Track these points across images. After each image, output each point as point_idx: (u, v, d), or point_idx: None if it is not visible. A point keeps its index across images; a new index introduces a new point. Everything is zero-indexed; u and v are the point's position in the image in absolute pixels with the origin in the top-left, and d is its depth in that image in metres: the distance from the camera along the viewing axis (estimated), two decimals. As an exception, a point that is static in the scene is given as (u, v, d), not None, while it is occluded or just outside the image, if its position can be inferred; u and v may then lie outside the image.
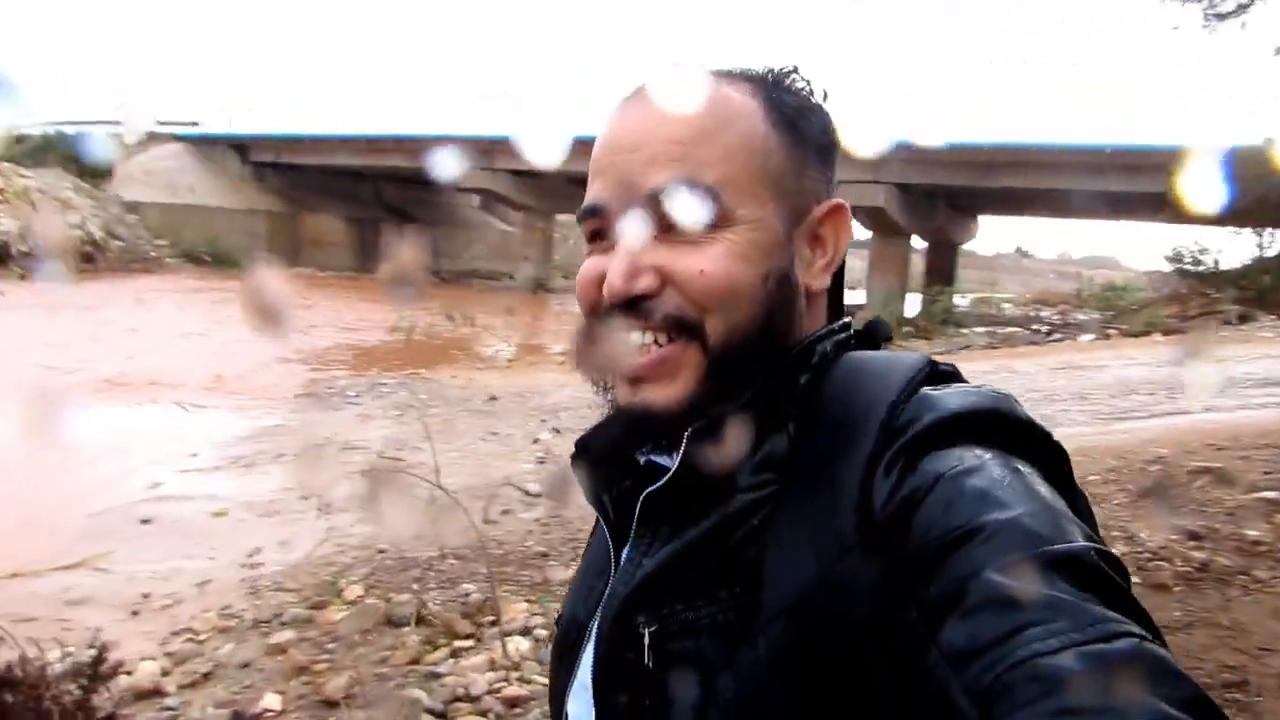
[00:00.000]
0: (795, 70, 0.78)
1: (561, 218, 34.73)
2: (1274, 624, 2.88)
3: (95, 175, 30.46)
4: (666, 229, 0.70)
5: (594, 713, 0.72)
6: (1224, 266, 16.58)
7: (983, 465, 0.58)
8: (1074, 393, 8.01)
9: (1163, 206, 16.38)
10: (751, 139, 0.72)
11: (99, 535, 5.07)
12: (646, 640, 0.68)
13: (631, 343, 0.71)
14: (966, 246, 36.83)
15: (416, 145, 31.85)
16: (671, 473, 0.70)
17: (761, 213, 0.71)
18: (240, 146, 35.06)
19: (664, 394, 0.71)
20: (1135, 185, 21.81)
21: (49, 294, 16.20)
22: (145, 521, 5.33)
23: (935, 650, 0.52)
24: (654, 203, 0.69)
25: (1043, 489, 0.57)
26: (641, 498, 0.73)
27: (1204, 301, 16.15)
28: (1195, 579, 3.21)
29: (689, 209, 0.68)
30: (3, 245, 21.23)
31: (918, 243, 31.19)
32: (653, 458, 0.76)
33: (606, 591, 0.75)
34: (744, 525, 0.66)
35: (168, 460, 6.65)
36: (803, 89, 0.77)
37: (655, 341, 0.71)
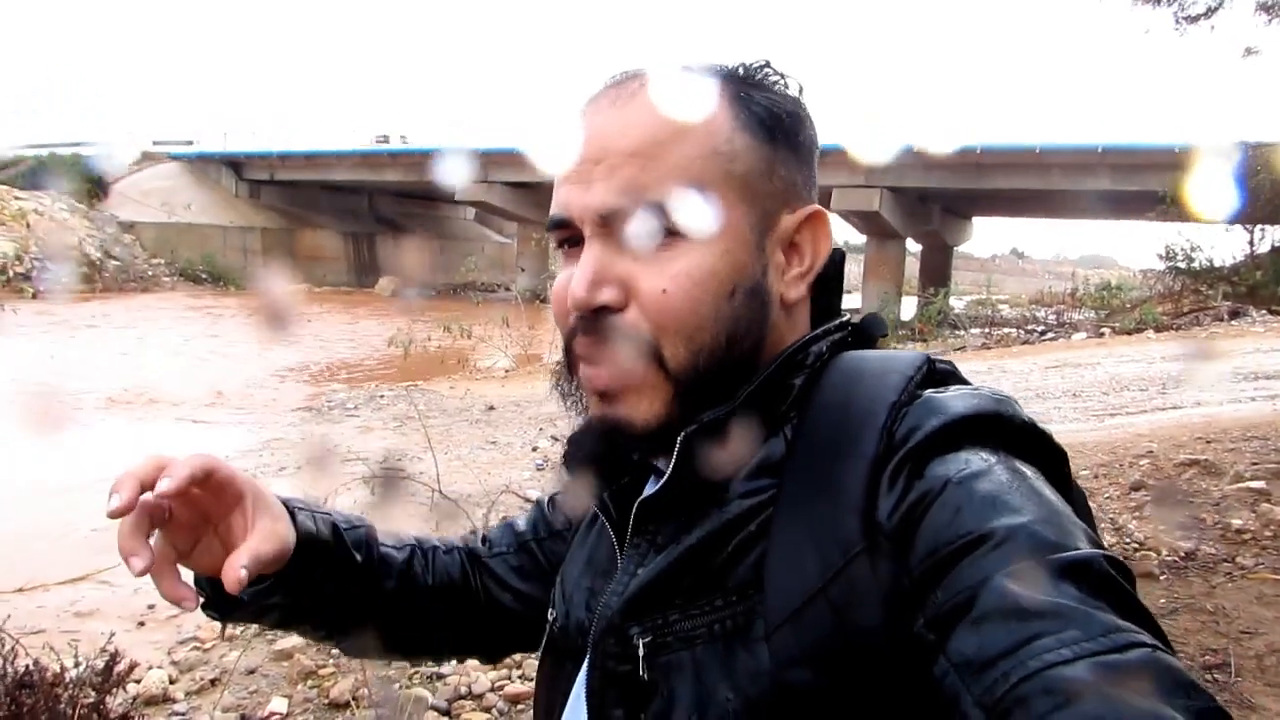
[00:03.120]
0: (767, 65, 0.73)
1: (557, 228, 34.75)
2: (1256, 609, 2.94)
3: (91, 196, 30.55)
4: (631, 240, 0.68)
5: None
6: (1216, 263, 16.64)
7: (989, 469, 0.57)
8: (1066, 390, 8.08)
9: (1155, 205, 16.51)
10: (714, 142, 0.68)
11: (103, 549, 5.10)
12: (641, 651, 0.67)
13: (595, 357, 0.69)
14: (962, 249, 37.06)
15: (411, 159, 31.99)
16: (664, 480, 0.69)
17: (729, 220, 0.68)
18: (235, 164, 35.20)
19: (632, 411, 0.69)
20: (1127, 184, 21.95)
21: (52, 314, 16.26)
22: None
23: (944, 659, 0.51)
24: (615, 217, 0.67)
25: (1048, 492, 0.57)
26: (636, 506, 0.72)
27: (1196, 298, 16.24)
28: (1181, 567, 3.28)
29: (650, 224, 0.66)
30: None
31: (913, 246, 31.36)
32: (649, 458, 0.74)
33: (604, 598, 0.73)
34: (741, 531, 0.65)
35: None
36: (776, 83, 0.73)
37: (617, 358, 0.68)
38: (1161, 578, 3.24)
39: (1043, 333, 17.24)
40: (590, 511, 0.82)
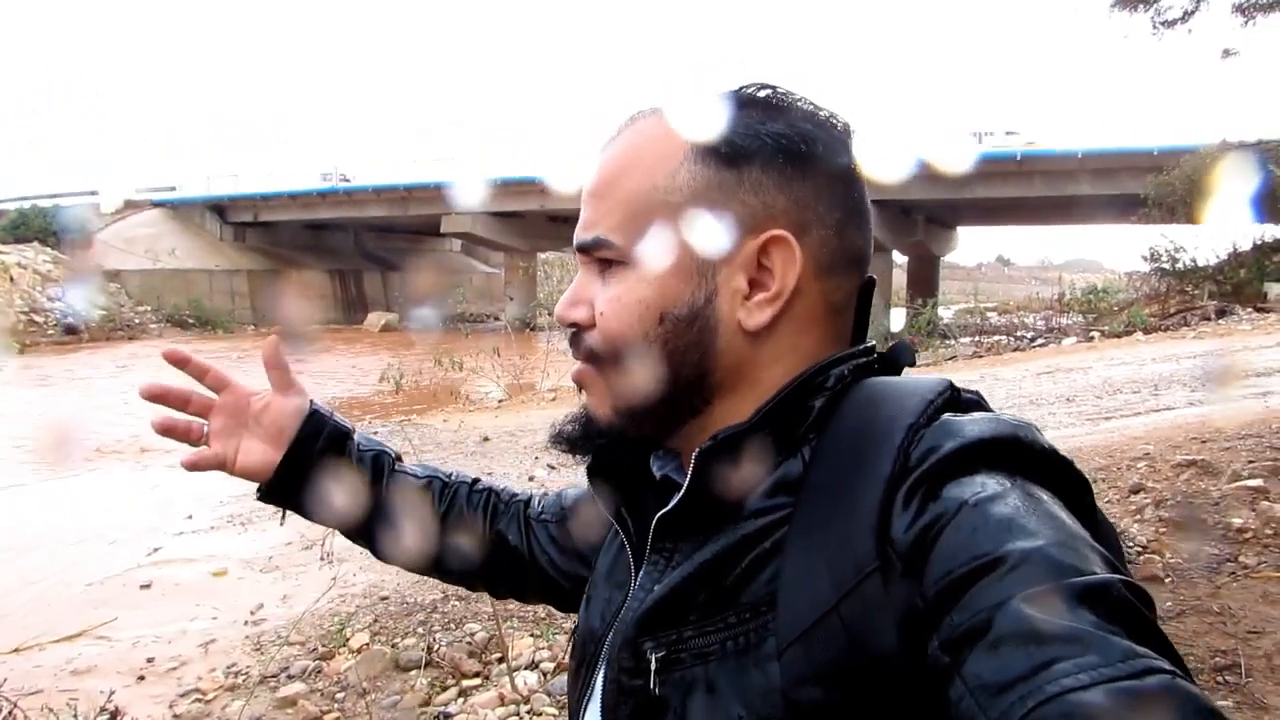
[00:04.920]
0: (761, 87, 0.73)
1: (543, 256, 34.82)
2: (1262, 607, 2.93)
3: (75, 246, 30.52)
4: (600, 268, 0.74)
5: None
6: (1200, 263, 16.73)
7: (1005, 493, 0.57)
8: (1059, 395, 8.09)
9: (1137, 208, 16.61)
10: (653, 176, 0.71)
11: (100, 604, 5.06)
12: (654, 666, 0.67)
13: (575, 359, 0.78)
14: (948, 258, 37.17)
15: (395, 194, 32.07)
16: (680, 495, 0.70)
17: (660, 249, 0.70)
18: (219, 208, 35.24)
19: (594, 405, 0.76)
20: (1108, 188, 22.13)
21: (39, 367, 16.18)
22: (145, 586, 5.31)
23: (960, 682, 0.50)
24: (582, 249, 0.74)
25: (1065, 517, 0.56)
26: (654, 521, 0.73)
27: (1182, 298, 16.33)
28: (1185, 569, 3.27)
29: (597, 256, 0.73)
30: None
31: (899, 258, 31.54)
32: (668, 473, 0.76)
33: (620, 611, 0.75)
34: (756, 548, 0.65)
35: (164, 524, 6.64)
36: (777, 105, 0.72)
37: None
38: (1166, 580, 3.23)
39: (1033, 339, 17.30)
40: (612, 525, 0.83)
